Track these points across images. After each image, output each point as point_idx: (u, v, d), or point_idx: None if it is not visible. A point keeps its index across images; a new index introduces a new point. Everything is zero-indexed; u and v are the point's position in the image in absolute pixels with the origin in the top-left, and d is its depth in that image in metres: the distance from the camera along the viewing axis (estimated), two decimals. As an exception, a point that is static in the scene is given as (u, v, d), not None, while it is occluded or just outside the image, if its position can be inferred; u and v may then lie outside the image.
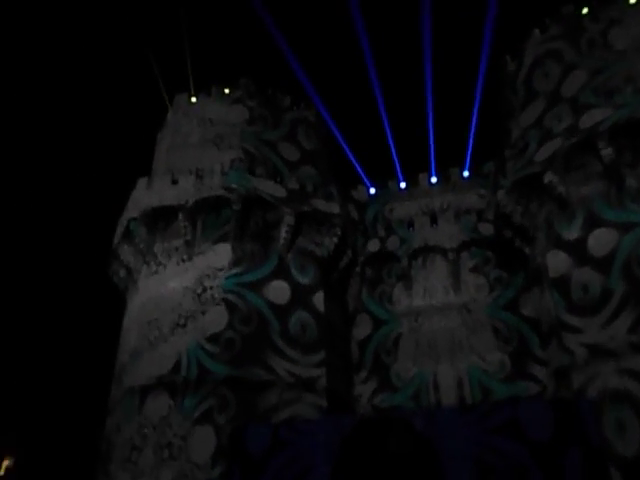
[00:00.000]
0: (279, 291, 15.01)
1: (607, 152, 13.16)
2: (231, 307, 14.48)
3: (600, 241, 12.90)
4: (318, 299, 15.63)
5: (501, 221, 15.77)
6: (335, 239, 16.23)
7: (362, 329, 16.51)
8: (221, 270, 14.93)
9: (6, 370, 23.54)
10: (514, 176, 14.84)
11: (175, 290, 15.02)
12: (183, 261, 15.38)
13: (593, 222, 13.21)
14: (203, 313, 14.40)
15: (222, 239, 15.33)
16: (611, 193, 13.26)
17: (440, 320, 15.88)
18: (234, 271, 14.94)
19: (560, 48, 15.79)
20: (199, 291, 14.73)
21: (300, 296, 15.25)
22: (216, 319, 14.29)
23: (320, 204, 16.21)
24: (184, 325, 14.35)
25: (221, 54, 18.81)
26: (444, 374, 15.07)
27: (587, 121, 13.60)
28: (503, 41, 18.68)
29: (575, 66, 15.21)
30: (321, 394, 14.31)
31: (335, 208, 16.42)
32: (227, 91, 18.01)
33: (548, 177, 14.10)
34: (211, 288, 14.71)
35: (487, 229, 16.53)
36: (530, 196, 14.69)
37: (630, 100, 13.23)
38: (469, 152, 17.52)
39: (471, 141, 17.74)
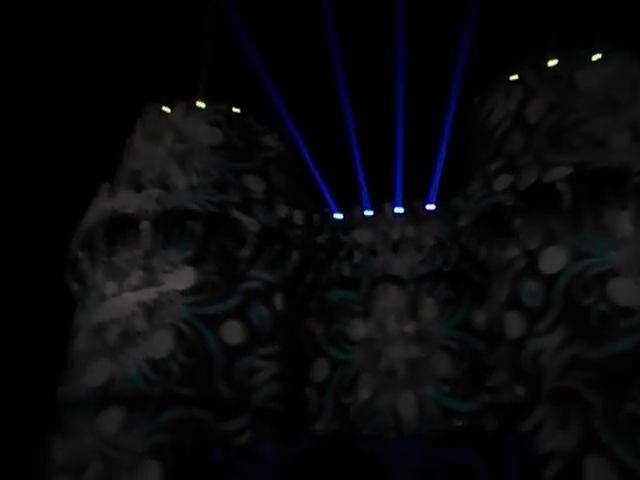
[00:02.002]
0: (233, 331, 14.61)
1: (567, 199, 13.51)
2: (179, 335, 14.09)
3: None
4: (279, 298, 15.66)
5: (462, 254, 16.09)
6: (297, 260, 16.21)
7: (320, 373, 16.10)
8: (180, 294, 14.60)
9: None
10: (474, 207, 15.17)
11: (129, 302, 14.70)
12: (142, 274, 15.05)
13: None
14: (151, 334, 14.05)
15: (185, 261, 15.06)
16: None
17: (398, 350, 15.91)
18: (193, 299, 14.60)
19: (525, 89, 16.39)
20: (152, 309, 14.39)
21: (253, 339, 14.83)
22: (162, 344, 13.93)
23: (284, 225, 16.21)
24: (130, 341, 14.00)
25: (195, 70, 18.77)
26: (404, 403, 15.02)
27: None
28: (474, 80, 19.31)
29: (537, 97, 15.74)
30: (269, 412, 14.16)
31: (298, 230, 16.47)
32: (202, 105, 17.92)
33: (508, 216, 14.45)
34: (166, 310, 14.37)
35: (447, 262, 16.75)
36: (493, 233, 14.94)
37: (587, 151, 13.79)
38: (435, 186, 17.88)
39: (437, 175, 18.14)
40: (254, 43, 20.52)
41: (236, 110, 18.07)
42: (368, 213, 17.86)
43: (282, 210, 16.42)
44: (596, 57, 15.99)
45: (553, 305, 13.12)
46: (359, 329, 16.43)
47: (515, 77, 16.71)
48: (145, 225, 15.26)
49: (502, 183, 14.65)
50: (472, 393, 14.79)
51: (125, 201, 15.66)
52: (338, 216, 18.08)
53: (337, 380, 15.84)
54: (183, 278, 14.89)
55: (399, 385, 15.26)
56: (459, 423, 14.33)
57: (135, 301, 14.65)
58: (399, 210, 17.64)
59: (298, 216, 16.64)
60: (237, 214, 15.49)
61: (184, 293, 14.61)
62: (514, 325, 13.71)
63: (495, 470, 11.07)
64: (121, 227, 15.59)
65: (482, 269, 15.65)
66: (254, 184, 16.91)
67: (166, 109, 18.07)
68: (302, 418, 15.43)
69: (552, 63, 16.24)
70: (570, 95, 15.51)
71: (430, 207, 17.55)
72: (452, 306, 16.19)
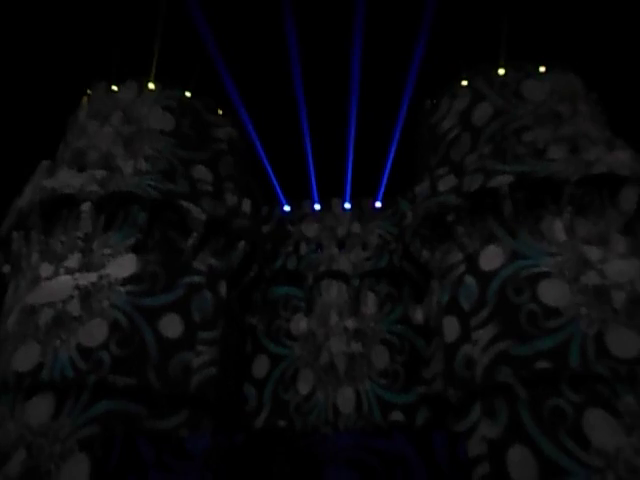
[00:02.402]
0: (172, 325, 14.10)
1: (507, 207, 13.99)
2: (115, 325, 13.54)
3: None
4: (222, 286, 15.47)
5: (404, 253, 16.42)
6: (242, 251, 16.05)
7: (259, 370, 16.02)
8: (119, 282, 14.03)
9: None
10: (419, 206, 15.53)
11: (66, 285, 14.12)
12: (81, 257, 14.41)
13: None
14: (85, 321, 13.48)
15: (127, 247, 14.49)
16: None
17: (339, 344, 16.05)
18: (132, 288, 14.04)
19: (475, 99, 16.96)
20: (89, 295, 13.78)
21: (191, 334, 14.36)
22: (96, 332, 13.37)
23: (231, 215, 15.95)
24: (63, 326, 13.42)
25: (148, 50, 18.28)
26: (343, 397, 15.18)
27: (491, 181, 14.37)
28: (427, 83, 19.79)
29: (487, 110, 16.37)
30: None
31: (246, 221, 16.29)
32: (152, 87, 17.46)
33: (451, 217, 14.84)
34: (104, 297, 13.80)
35: (391, 261, 17.04)
36: (436, 233, 15.28)
37: (529, 160, 14.33)
38: (383, 184, 18.22)
39: (386, 174, 18.47)
40: (211, 30, 20.22)
41: (188, 94, 17.74)
42: (316, 207, 17.96)
43: (230, 200, 16.20)
44: (541, 70, 16.76)
45: (487, 303, 13.67)
46: (301, 324, 16.50)
47: (465, 83, 17.26)
48: (86, 207, 14.69)
49: (446, 185, 15.08)
50: (409, 386, 15.22)
51: (66, 180, 15.02)
52: (286, 209, 18.11)
53: (277, 376, 15.82)
54: (124, 265, 14.33)
55: (339, 379, 15.47)
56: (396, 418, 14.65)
57: (72, 285, 14.07)
58: (347, 206, 17.83)
59: (246, 206, 16.50)
60: (184, 202, 15.14)
61: (124, 281, 14.06)
62: (452, 329, 14.13)
63: (427, 462, 11.40)
64: (60, 207, 14.97)
65: (423, 270, 16.03)
66: (202, 174, 16.44)
67: (115, 88, 17.50)
68: (239, 412, 15.33)
69: (501, 72, 16.90)
70: (515, 103, 16.18)
71: (377, 205, 17.85)
72: (392, 302, 16.57)
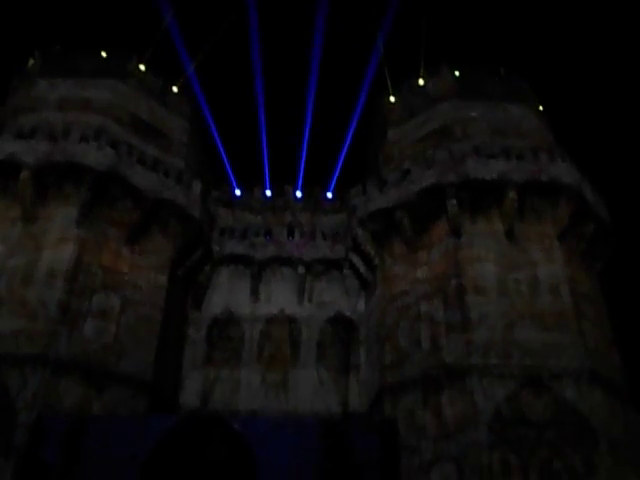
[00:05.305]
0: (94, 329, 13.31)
1: (452, 204, 14.39)
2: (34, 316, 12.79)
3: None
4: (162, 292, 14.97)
5: (353, 247, 16.50)
6: (191, 233, 15.79)
7: (198, 359, 15.82)
8: (52, 272, 13.25)
9: None
10: (367, 206, 15.71)
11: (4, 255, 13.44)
12: (19, 230, 13.71)
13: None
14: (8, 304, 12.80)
15: (66, 230, 13.71)
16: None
17: (281, 329, 16.07)
18: (62, 283, 13.17)
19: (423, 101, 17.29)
20: (31, 271, 13.20)
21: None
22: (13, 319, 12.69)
23: (182, 197, 15.59)
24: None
25: (108, 21, 17.66)
26: (294, 380, 15.38)
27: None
28: (379, 83, 20.04)
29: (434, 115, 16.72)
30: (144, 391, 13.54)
31: (197, 203, 15.97)
32: (104, 54, 16.77)
33: (399, 215, 15.00)
34: (34, 283, 13.11)
35: (339, 251, 17.13)
36: (385, 234, 15.47)
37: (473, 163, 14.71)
38: (335, 176, 18.33)
39: (339, 167, 18.59)
40: (173, 9, 19.71)
41: (143, 67, 17.13)
42: (267, 193, 17.84)
43: (179, 181, 15.77)
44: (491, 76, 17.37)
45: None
46: (246, 309, 16.33)
47: (421, 82, 17.63)
48: (25, 175, 13.99)
49: (395, 179, 15.31)
50: (344, 369, 15.55)
51: (4, 147, 14.27)
52: (237, 193, 17.90)
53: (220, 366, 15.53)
54: (60, 252, 13.53)
55: (284, 365, 15.55)
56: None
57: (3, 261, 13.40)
58: (298, 194, 17.81)
59: (196, 188, 16.16)
60: (130, 179, 14.52)
61: (56, 273, 13.26)
62: None
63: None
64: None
65: (370, 264, 16.15)
66: (152, 156, 15.64)
67: (70, 53, 16.72)
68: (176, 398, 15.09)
69: (457, 73, 17.37)
70: (464, 102, 16.68)
71: (329, 196, 17.93)
72: (333, 290, 16.72)
